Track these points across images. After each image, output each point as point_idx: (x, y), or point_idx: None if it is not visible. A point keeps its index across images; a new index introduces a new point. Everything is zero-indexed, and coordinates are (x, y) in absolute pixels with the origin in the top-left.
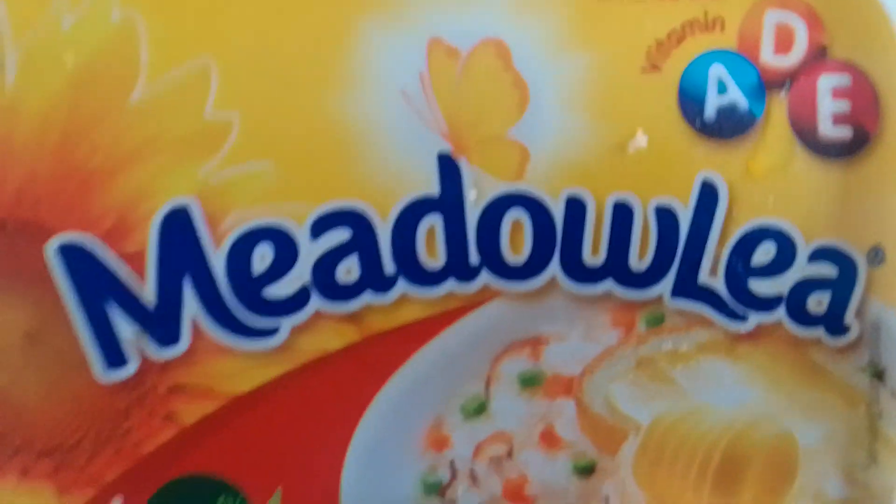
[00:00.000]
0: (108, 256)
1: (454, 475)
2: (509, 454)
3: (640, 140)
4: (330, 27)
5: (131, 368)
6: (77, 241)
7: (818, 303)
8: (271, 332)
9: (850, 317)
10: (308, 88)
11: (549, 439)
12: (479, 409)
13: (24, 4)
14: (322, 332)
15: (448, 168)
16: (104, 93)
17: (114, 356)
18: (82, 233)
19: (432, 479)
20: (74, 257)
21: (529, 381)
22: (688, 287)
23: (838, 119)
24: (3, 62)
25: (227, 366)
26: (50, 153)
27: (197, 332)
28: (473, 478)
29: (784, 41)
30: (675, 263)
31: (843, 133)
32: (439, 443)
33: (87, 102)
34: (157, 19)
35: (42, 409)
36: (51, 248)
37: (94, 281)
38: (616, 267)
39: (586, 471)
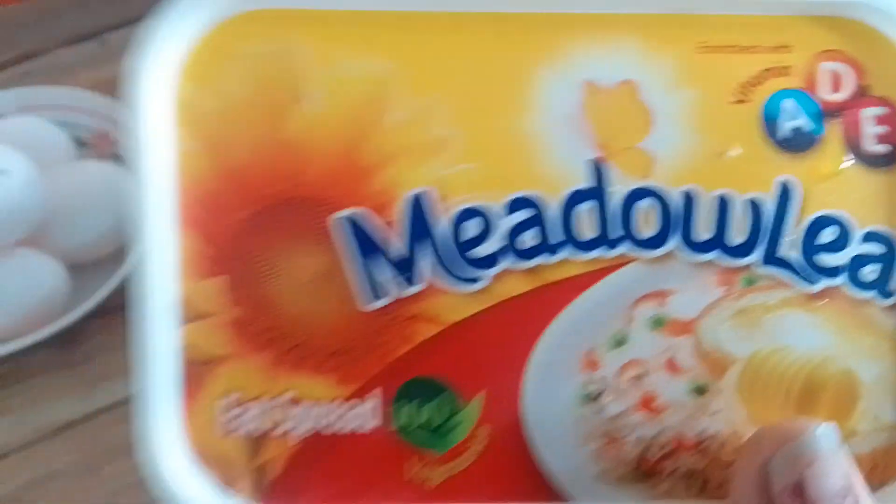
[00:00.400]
0: (374, 224)
1: (603, 388)
2: (643, 376)
3: (735, 151)
4: (519, 73)
5: (385, 301)
6: (352, 214)
7: (870, 272)
8: (477, 279)
9: (894, 284)
10: (503, 114)
11: (672, 366)
12: (620, 341)
13: (320, 61)
14: (511, 281)
15: (598, 169)
16: (369, 115)
17: (374, 292)
18: (356, 208)
19: (587, 391)
20: (351, 224)
21: (657, 323)
22: (773, 258)
23: (879, 139)
24: (301, 96)
25: (448, 302)
26: (335, 155)
27: (429, 277)
28: (617, 391)
29: (835, 83)
30: (762, 241)
31: (883, 149)
32: (592, 365)
33: (357, 122)
34: (404, 68)
35: (327, 326)
36: (336, 217)
37: (362, 240)
38: (720, 242)
39: (700, 391)
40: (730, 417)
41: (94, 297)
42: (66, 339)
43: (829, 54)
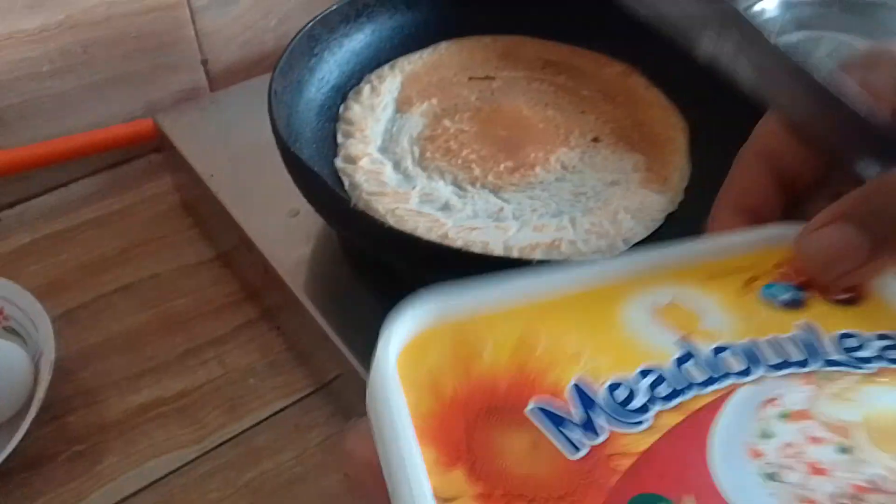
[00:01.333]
0: (555, 405)
1: (777, 468)
2: (799, 452)
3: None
4: (617, 301)
5: (584, 451)
6: (538, 404)
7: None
8: (642, 422)
9: None
10: (614, 323)
11: (815, 440)
12: (767, 434)
13: (489, 330)
14: (667, 417)
15: (684, 342)
16: (526, 349)
17: (573, 447)
18: (540, 399)
19: (766, 472)
20: (540, 410)
21: (784, 416)
22: (830, 362)
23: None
24: (482, 352)
25: (630, 440)
26: (514, 374)
27: (608, 428)
28: (787, 467)
29: (787, 277)
30: (816, 354)
31: (844, 296)
32: (757, 454)
33: (521, 354)
34: (538, 320)
35: (549, 479)
36: (528, 409)
37: (551, 417)
38: (787, 362)
39: (846, 450)
40: (877, 461)
41: None
42: None
43: (779, 264)
